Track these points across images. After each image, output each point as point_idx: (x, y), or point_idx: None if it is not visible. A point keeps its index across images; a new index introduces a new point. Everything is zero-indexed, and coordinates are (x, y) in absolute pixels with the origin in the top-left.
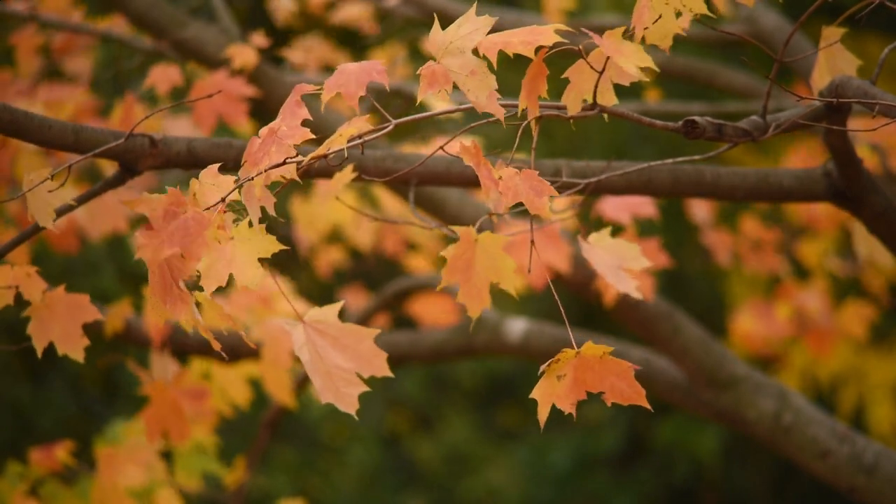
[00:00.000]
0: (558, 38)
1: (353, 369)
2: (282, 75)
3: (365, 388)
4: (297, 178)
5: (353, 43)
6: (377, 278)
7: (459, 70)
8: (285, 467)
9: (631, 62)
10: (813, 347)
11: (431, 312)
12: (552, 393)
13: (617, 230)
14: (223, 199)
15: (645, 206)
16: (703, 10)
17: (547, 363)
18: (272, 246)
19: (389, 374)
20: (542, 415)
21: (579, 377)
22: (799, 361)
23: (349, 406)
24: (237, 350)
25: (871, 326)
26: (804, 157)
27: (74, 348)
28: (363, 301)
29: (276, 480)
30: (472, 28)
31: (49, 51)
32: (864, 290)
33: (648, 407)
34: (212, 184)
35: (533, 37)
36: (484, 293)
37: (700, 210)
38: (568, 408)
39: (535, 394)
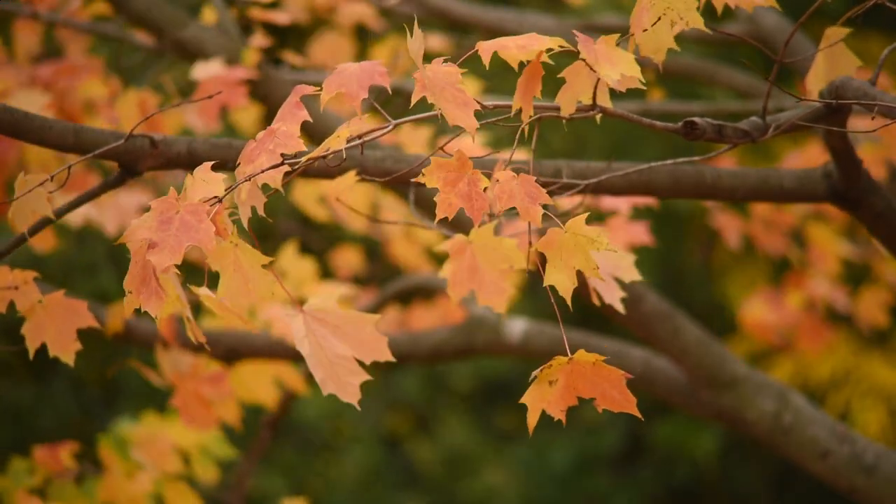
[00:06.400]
0: (554, 46)
1: (354, 356)
2: (282, 75)
3: (367, 377)
4: (280, 189)
5: (358, 40)
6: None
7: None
8: (284, 468)
9: (617, 71)
10: (808, 344)
11: (430, 320)
12: (543, 399)
13: (611, 214)
14: (220, 199)
15: None
16: (699, 23)
17: (539, 369)
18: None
19: (391, 357)
20: (532, 420)
21: (571, 383)
22: (786, 369)
23: (352, 396)
24: (236, 351)
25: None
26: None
27: (66, 352)
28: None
29: (275, 481)
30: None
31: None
32: (876, 277)
33: (639, 416)
34: (203, 180)
35: (530, 42)
36: (501, 285)
37: None
38: (558, 414)
39: (526, 399)
